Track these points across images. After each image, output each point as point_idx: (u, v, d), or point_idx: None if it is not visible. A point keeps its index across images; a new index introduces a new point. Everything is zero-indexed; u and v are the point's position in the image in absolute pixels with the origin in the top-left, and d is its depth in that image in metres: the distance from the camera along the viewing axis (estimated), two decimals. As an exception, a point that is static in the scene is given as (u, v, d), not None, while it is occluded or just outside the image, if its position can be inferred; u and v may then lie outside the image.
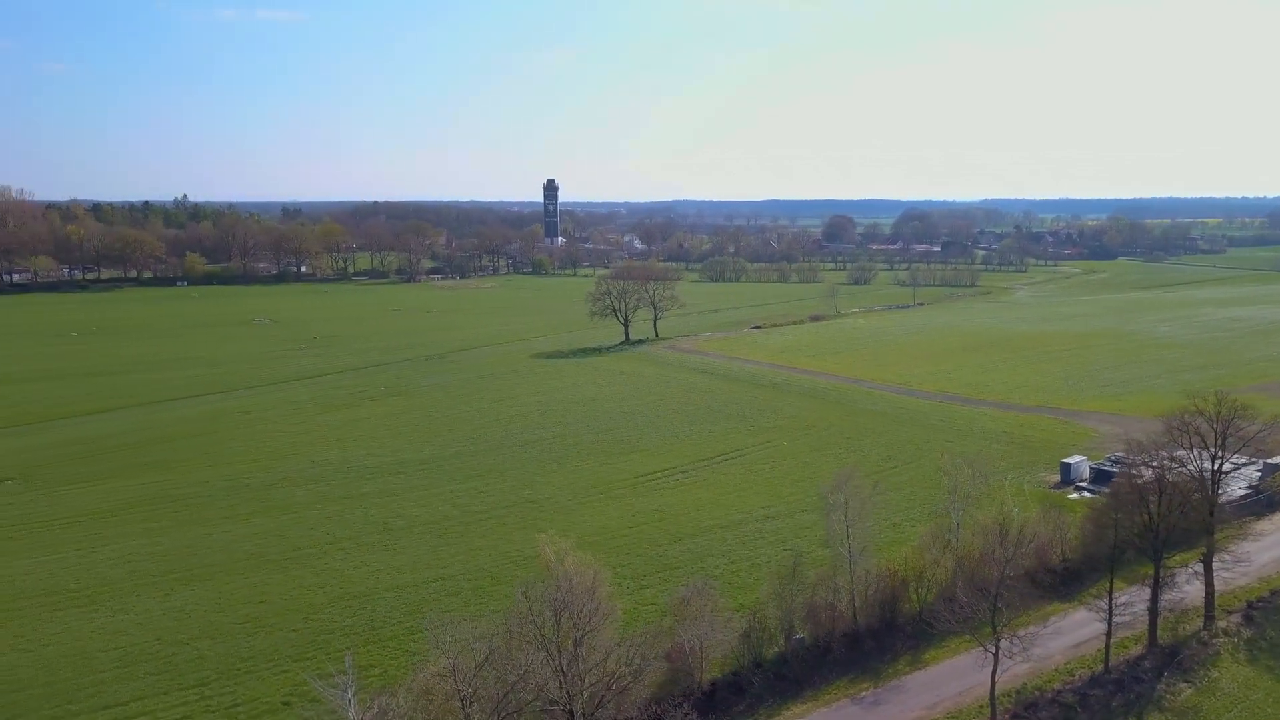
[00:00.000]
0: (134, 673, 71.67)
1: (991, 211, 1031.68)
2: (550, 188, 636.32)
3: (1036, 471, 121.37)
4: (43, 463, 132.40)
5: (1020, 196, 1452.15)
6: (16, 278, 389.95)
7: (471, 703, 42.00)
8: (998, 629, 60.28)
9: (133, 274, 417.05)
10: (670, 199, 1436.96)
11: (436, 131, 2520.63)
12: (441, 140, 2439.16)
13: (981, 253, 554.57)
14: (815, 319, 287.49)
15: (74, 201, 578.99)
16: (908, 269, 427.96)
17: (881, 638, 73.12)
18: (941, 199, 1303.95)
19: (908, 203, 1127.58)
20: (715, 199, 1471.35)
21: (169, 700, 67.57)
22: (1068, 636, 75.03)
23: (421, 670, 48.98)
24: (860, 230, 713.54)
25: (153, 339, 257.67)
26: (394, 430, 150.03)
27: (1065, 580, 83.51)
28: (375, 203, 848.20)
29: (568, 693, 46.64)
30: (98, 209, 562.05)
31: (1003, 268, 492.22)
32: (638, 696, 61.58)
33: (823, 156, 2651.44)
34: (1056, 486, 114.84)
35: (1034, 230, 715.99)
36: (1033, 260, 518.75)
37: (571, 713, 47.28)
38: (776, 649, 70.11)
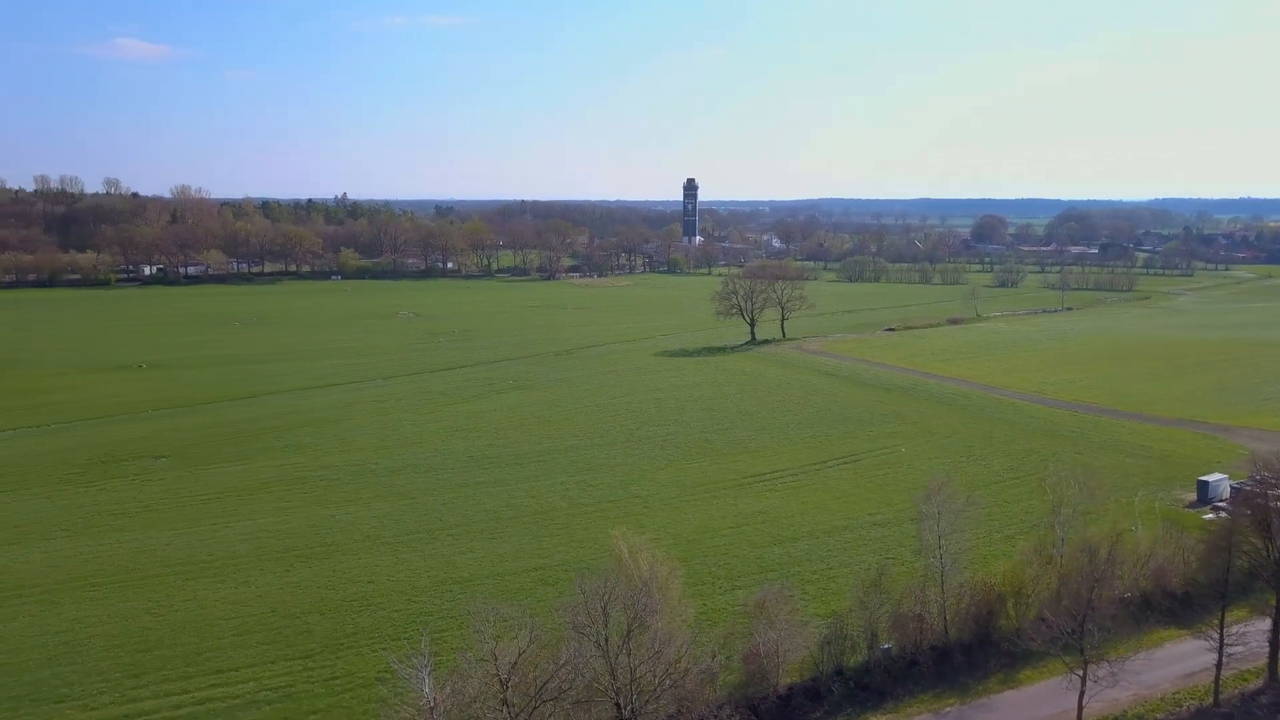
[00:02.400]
0: (248, 641, 76.70)
1: (1159, 212, 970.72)
2: (689, 187, 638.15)
3: (1172, 489, 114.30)
4: (194, 442, 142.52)
5: (1194, 195, 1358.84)
6: (191, 270, 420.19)
7: (509, 687, 43.21)
8: (1085, 652, 57.26)
9: (293, 268, 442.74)
10: (817, 197, 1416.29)
11: (585, 131, 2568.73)
12: (589, 140, 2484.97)
13: (1143, 255, 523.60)
14: (953, 322, 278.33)
15: (246, 199, 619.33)
16: (1059, 272, 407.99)
17: (973, 653, 70.60)
18: (1107, 199, 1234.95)
19: (1069, 202, 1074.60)
20: (863, 197, 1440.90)
21: (275, 669, 71.99)
22: (1180, 665, 70.53)
23: (462, 654, 50.61)
24: (1012, 231, 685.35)
25: (305, 329, 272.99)
26: (516, 423, 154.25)
27: (1185, 605, 78.42)
28: (522, 201, 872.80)
29: (615, 685, 47.26)
30: (266, 206, 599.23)
31: (1166, 272, 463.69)
32: (711, 696, 61.84)
33: (977, 153, 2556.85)
34: (1192, 506, 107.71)
35: (1204, 232, 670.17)
36: (1200, 264, 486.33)
37: (619, 705, 47.91)
38: (860, 658, 68.74)
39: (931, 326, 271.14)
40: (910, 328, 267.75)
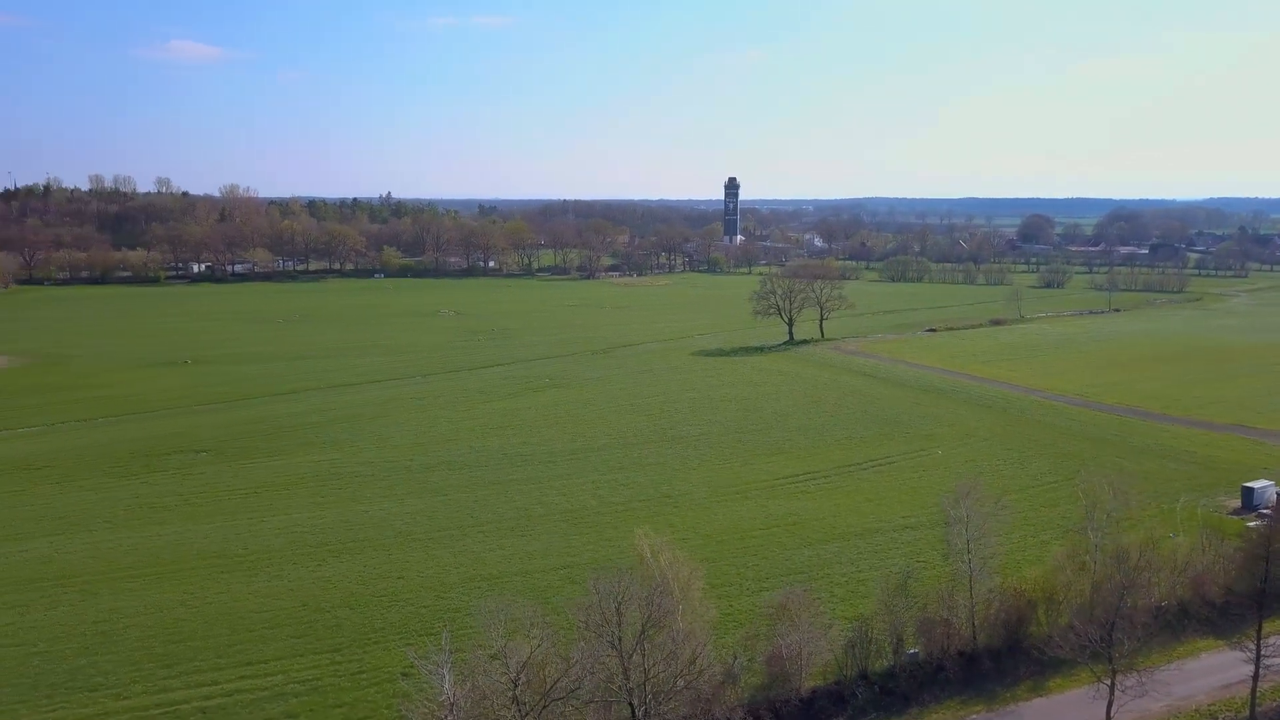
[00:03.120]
0: (278, 634, 77.79)
1: (1214, 212, 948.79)
2: (730, 186, 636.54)
3: (1216, 495, 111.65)
4: (234, 437, 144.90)
5: (1251, 195, 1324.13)
6: (238, 268, 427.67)
7: (519, 685, 43.30)
8: (1114, 661, 56.03)
9: (336, 266, 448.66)
10: (862, 196, 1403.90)
11: (628, 131, 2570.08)
12: (632, 140, 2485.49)
13: (1195, 256, 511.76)
14: (995, 323, 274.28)
15: (293, 198, 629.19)
16: (1107, 273, 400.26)
17: (1002, 660, 69.46)
18: (1159, 198, 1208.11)
19: (1119, 202, 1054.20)
20: (909, 196, 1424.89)
21: (303, 662, 72.95)
22: (1216, 676, 68.83)
23: (473, 652, 50.79)
24: (1059, 231, 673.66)
25: (347, 327, 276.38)
26: (551, 421, 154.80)
27: (1224, 615, 76.50)
28: (564, 201, 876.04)
29: (629, 685, 47.18)
30: (313, 205, 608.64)
31: (1219, 273, 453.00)
32: (733, 698, 61.60)
33: (1025, 152, 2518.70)
34: (1236, 513, 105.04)
35: (1260, 232, 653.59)
36: (1256, 265, 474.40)
37: (632, 705, 47.79)
38: (885, 662, 67.96)
39: (973, 327, 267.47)
40: (951, 329, 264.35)
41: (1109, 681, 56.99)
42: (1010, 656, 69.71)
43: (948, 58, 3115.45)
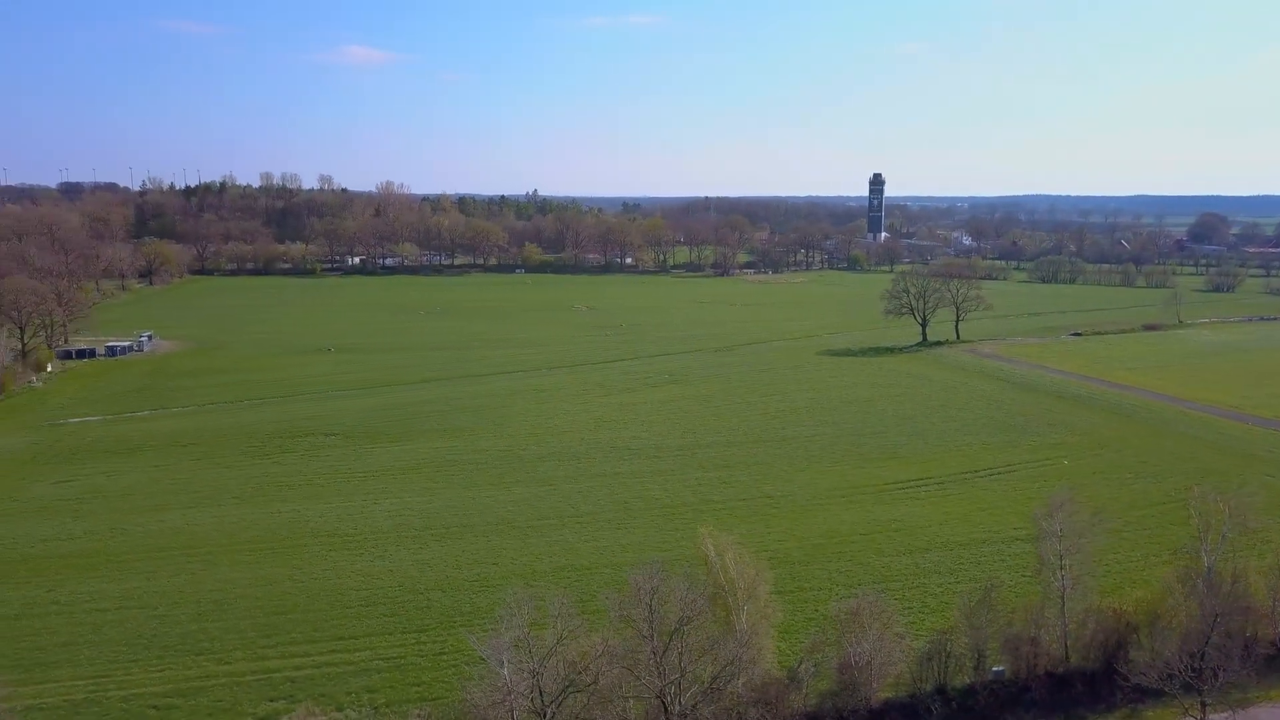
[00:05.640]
0: (372, 612, 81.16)
1: None
2: (875, 182, 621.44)
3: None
4: (363, 422, 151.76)
5: None
6: (388, 261, 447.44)
7: (541, 675, 43.62)
8: (1203, 694, 51.77)
9: (480, 261, 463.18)
10: (1021, 194, 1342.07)
11: (776, 126, 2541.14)
12: (781, 135, 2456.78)
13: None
14: (1150, 328, 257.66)
15: (443, 195, 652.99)
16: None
17: (1096, 684, 65.29)
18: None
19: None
20: (1071, 194, 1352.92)
21: (391, 640, 75.88)
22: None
23: (494, 640, 51.36)
24: (1235, 231, 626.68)
25: (484, 320, 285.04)
26: (664, 416, 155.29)
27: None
28: (707, 198, 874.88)
29: (662, 683, 46.78)
30: (462, 201, 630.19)
31: None
32: (797, 703, 60.40)
33: (1202, 146, 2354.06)
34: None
35: None
36: None
37: (664, 703, 47.40)
38: (966, 678, 65.06)
39: (1123, 332, 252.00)
40: (1099, 333, 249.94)
41: (1199, 716, 52.75)
42: (1106, 681, 65.42)
43: (1112, 46, 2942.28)
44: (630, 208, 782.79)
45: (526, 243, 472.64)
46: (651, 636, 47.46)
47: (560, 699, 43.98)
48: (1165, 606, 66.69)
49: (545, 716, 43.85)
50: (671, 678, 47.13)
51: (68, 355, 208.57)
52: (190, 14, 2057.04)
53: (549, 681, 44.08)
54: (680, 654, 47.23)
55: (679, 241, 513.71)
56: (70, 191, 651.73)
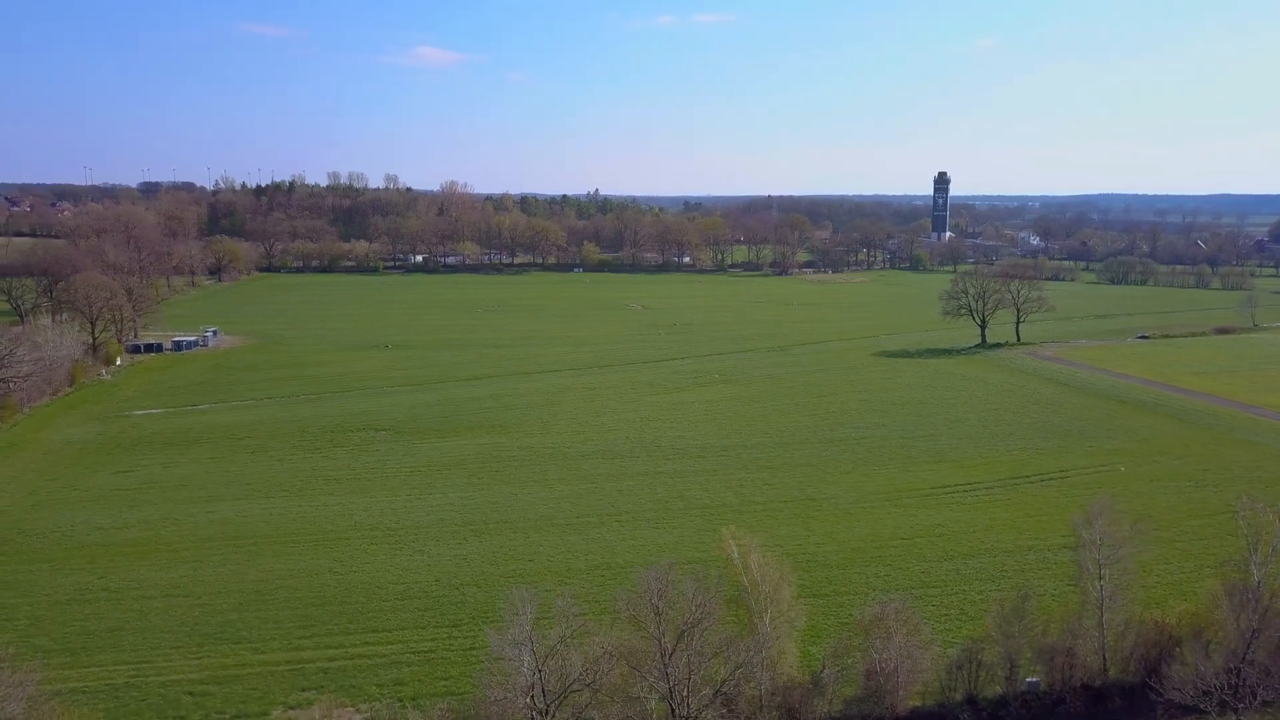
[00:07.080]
0: (408, 606, 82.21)
1: None
2: (940, 180, 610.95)
3: None
4: (413, 418, 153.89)
5: None
6: (450, 260, 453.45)
7: (542, 672, 43.58)
8: (1239, 712, 49.73)
9: (540, 260, 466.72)
10: (1095, 192, 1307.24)
11: (842, 123, 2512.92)
12: (846, 132, 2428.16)
13: None
14: (1221, 331, 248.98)
15: (505, 194, 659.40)
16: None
17: (1135, 698, 63.20)
18: None
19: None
20: (1147, 192, 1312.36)
21: (424, 634, 76.78)
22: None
23: (497, 637, 51.44)
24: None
25: (540, 318, 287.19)
26: (711, 416, 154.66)
27: None
28: (769, 197, 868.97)
29: (669, 684, 46.45)
30: (524, 201, 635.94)
31: None
32: (820, 708, 59.62)
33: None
34: None
35: None
36: None
37: (671, 705, 47.02)
38: (998, 688, 63.51)
39: (1193, 335, 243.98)
40: (1168, 336, 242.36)
41: (1235, 735, 50.84)
42: (1145, 696, 63.26)
43: (1195, 31, 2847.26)
44: (691, 206, 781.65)
45: (585, 242, 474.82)
46: (659, 637, 47.21)
47: (562, 697, 43.98)
48: (1209, 620, 64.33)
49: (547, 714, 43.93)
50: (679, 679, 46.84)
51: (136, 349, 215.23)
52: (269, 18, 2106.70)
53: (551, 680, 44.10)
54: (689, 655, 46.88)
55: (738, 240, 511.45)
56: (149, 190, 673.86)
